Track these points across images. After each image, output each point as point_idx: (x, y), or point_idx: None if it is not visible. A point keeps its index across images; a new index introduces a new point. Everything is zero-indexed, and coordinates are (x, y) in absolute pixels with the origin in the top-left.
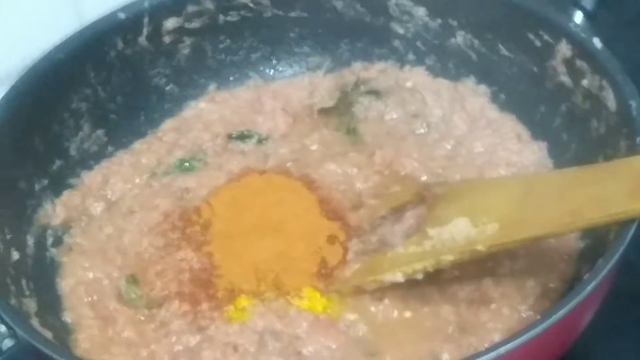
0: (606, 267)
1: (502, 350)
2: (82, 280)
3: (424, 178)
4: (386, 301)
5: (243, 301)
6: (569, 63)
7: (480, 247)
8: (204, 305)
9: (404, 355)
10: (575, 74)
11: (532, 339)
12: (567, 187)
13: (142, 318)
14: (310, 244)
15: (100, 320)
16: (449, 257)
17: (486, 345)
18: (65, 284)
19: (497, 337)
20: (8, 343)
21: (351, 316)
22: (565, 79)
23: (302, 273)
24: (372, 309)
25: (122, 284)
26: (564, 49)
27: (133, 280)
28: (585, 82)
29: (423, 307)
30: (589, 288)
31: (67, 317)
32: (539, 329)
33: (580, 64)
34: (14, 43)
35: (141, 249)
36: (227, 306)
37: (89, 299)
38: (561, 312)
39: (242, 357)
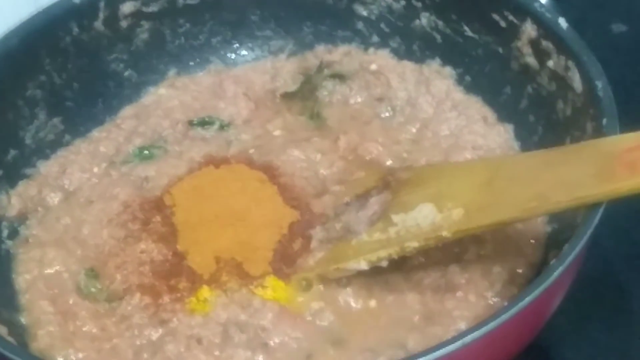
0: (573, 251)
1: (467, 339)
2: (39, 274)
3: (389, 162)
4: (350, 290)
5: (205, 292)
6: (534, 44)
7: (445, 233)
8: (166, 298)
9: (369, 343)
10: (541, 54)
11: (498, 326)
12: (533, 171)
13: (103, 311)
14: (272, 232)
15: (60, 315)
16: (413, 244)
17: (452, 334)
18: (22, 278)
19: (463, 325)
20: None
21: (316, 305)
22: (530, 60)
23: (264, 262)
24: (338, 297)
25: (81, 278)
26: (529, 29)
27: (93, 273)
28: (550, 63)
29: (388, 296)
30: (556, 273)
31: (25, 312)
32: (505, 317)
33: (545, 44)
34: None
35: (101, 241)
36: (189, 298)
37: (48, 293)
38: (528, 299)
39: (206, 350)
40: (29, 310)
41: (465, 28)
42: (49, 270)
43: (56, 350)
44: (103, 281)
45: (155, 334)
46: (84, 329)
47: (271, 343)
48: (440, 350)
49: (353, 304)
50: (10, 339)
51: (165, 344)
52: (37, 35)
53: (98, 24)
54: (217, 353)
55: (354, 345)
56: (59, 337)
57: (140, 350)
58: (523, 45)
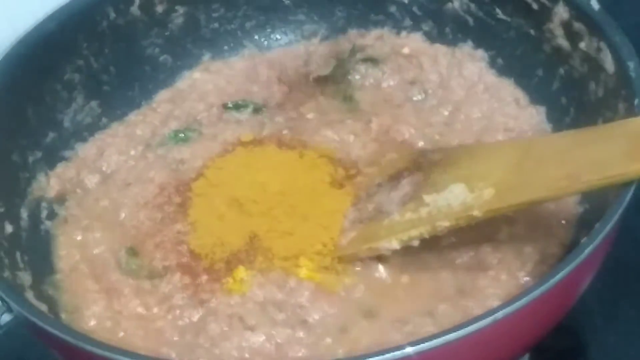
0: (603, 230)
1: (499, 314)
2: (81, 253)
3: (421, 144)
4: (383, 267)
5: (241, 272)
6: (566, 25)
7: (476, 213)
8: (203, 278)
9: (400, 312)
10: (573, 36)
11: (529, 303)
12: (564, 151)
13: (145, 288)
14: (309, 214)
15: (105, 293)
16: (444, 223)
17: (484, 309)
18: (63, 258)
19: (495, 303)
20: (6, 317)
21: (350, 281)
22: (562, 41)
23: (299, 242)
24: (371, 274)
25: (122, 256)
26: (561, 11)
27: (133, 251)
28: (582, 45)
29: (422, 273)
30: (586, 252)
31: (67, 291)
32: (535, 294)
33: (577, 26)
34: (4, 13)
35: (138, 223)
36: (226, 278)
37: (91, 272)
38: (557, 277)
39: (249, 328)
40: (72, 289)
41: (498, 11)
42: (90, 250)
43: (105, 330)
44: (143, 259)
45: (196, 315)
46: (129, 306)
47: (310, 320)
48: (472, 326)
49: (386, 279)
50: (51, 316)
51: (207, 323)
52: (74, 20)
53: (134, 9)
54: (260, 331)
55: (385, 316)
56: (106, 316)
57: (184, 331)
58: (555, 27)
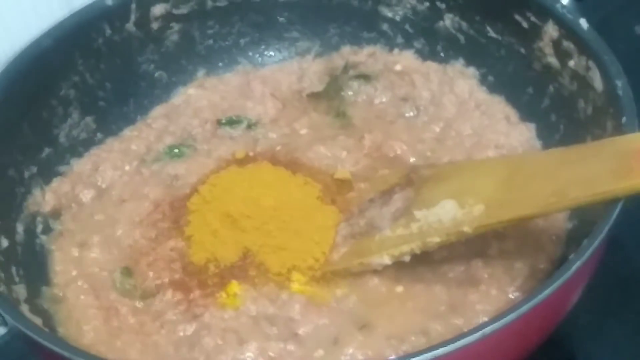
0: (591, 247)
1: (487, 330)
2: (77, 269)
3: (412, 160)
4: (376, 279)
5: (234, 287)
6: (556, 44)
7: (466, 229)
8: (196, 293)
9: (395, 328)
10: (562, 55)
11: (517, 318)
12: (553, 167)
13: (140, 308)
14: (301, 229)
15: (104, 310)
16: (435, 239)
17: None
18: (58, 273)
19: (485, 319)
20: (1, 330)
21: (340, 291)
22: (552, 60)
23: (291, 257)
24: (363, 284)
25: (116, 276)
26: (550, 30)
27: (127, 272)
28: (572, 63)
29: (416, 284)
30: (574, 268)
31: (63, 306)
32: (524, 309)
33: (567, 44)
34: (1, 29)
35: (133, 241)
36: (219, 292)
37: (87, 287)
38: (545, 293)
39: (242, 341)
40: (69, 303)
41: (489, 29)
42: (87, 267)
43: (103, 344)
44: (137, 279)
45: (190, 329)
46: (125, 322)
47: (300, 332)
48: (461, 341)
49: (379, 290)
50: (46, 329)
51: (201, 337)
52: (70, 37)
53: (130, 26)
54: (253, 345)
55: (379, 329)
56: (103, 331)
57: (179, 345)
58: (545, 45)
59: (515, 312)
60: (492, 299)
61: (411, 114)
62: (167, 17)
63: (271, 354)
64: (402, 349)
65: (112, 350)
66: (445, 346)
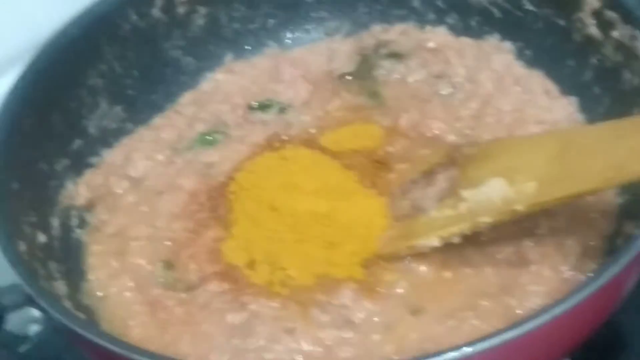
0: None
1: (557, 311)
2: (117, 263)
3: (452, 139)
4: (424, 264)
5: (279, 275)
6: (597, 14)
7: (519, 207)
8: (242, 282)
9: (446, 309)
10: (605, 25)
11: (596, 291)
12: (607, 141)
13: (185, 299)
14: (346, 214)
15: (148, 305)
16: (486, 219)
17: (525, 308)
18: (97, 267)
19: (538, 300)
20: (36, 328)
21: (391, 277)
22: (594, 31)
23: (338, 243)
24: (412, 269)
25: (158, 269)
26: (592, 0)
27: (169, 265)
28: (615, 34)
29: (464, 268)
30: None
31: (105, 302)
32: (599, 282)
33: (609, 14)
34: (26, 20)
35: (172, 234)
36: (264, 281)
37: (129, 282)
38: (615, 269)
39: (294, 330)
40: (111, 298)
41: (525, 1)
42: (127, 261)
43: (152, 339)
44: (179, 271)
45: (239, 318)
46: (172, 314)
47: (355, 319)
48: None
49: (428, 275)
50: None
51: (253, 327)
52: (97, 25)
53: (155, 11)
54: (306, 334)
55: (430, 312)
56: (152, 325)
57: (230, 335)
58: (585, 16)
59: (590, 286)
60: (544, 279)
61: (447, 91)
62: (193, 1)
63: (327, 342)
64: (449, 324)
65: (162, 345)
66: (499, 335)
